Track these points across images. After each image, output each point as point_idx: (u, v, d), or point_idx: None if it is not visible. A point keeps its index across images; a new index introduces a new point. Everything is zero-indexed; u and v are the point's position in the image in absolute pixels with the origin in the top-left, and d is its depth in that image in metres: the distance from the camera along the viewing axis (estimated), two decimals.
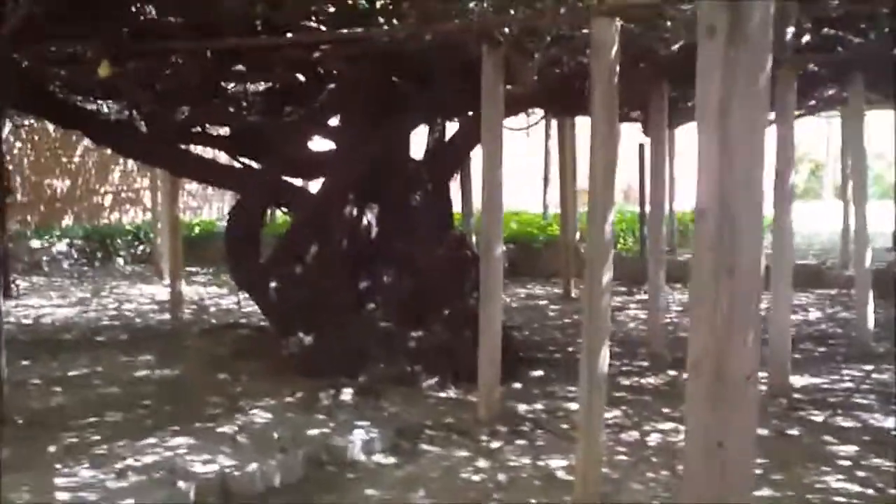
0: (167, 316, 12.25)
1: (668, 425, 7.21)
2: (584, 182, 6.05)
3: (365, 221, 8.86)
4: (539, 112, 14.73)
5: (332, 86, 9.25)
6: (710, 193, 2.90)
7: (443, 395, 7.99)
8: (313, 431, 6.64)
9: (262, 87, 9.92)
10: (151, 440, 6.33)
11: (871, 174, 34.76)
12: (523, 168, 21.80)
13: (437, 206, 9.22)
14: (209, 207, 22.60)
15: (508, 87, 7.03)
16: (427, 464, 6.32)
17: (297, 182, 9.95)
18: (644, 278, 16.13)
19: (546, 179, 21.56)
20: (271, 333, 9.50)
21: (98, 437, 6.56)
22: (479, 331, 7.08)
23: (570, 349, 10.24)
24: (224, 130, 10.24)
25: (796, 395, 8.08)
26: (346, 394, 7.84)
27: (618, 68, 5.27)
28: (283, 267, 8.90)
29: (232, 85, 9.63)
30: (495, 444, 6.72)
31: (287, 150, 9.29)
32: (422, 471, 6.18)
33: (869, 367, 9.27)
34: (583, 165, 16.31)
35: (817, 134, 34.74)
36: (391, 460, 6.38)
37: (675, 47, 7.38)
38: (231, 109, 9.64)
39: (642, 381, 8.71)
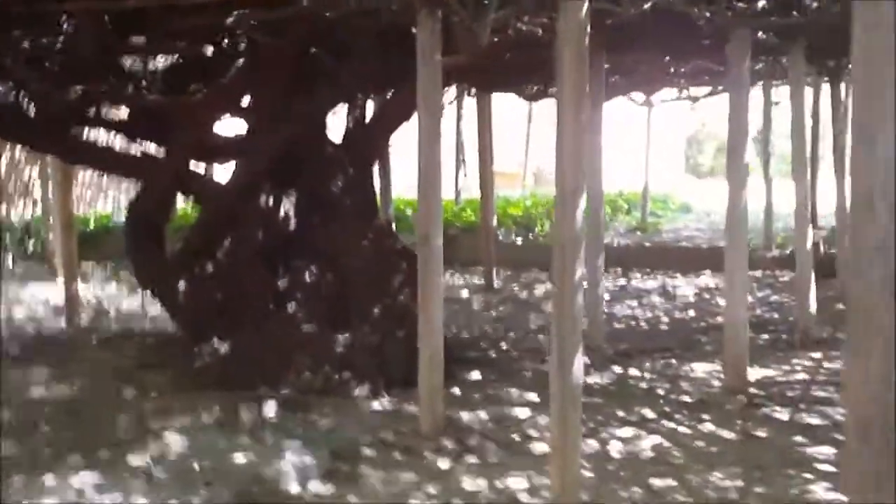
0: (63, 322, 11.21)
1: (627, 431, 6.57)
2: (500, 165, 5.42)
3: (281, 212, 8.02)
4: (451, 89, 13.99)
5: (242, 59, 8.35)
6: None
7: (376, 405, 7.21)
8: (239, 459, 5.82)
9: (164, 61, 8.93)
10: (51, 479, 5.42)
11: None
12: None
13: (360, 193, 8.41)
14: (104, 199, 21.32)
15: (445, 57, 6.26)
16: (370, 491, 5.53)
17: (204, 169, 8.94)
18: None
19: (460, 161, 20.76)
20: (180, 340, 8.62)
21: None
22: (419, 332, 6.34)
23: (504, 346, 9.56)
24: (122, 112, 9.21)
25: (752, 390, 7.51)
26: (270, 408, 7.03)
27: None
28: (191, 264, 8.02)
29: (131, 60, 8.63)
30: (444, 464, 5.96)
31: (193, 133, 8.36)
32: (365, 500, 5.41)
33: (817, 355, 8.77)
34: (499, 146, 15.76)
35: (720, 110, 34.69)
36: (329, 489, 5.56)
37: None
38: (130, 88, 8.68)
39: (587, 379, 8.02)
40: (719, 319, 10.71)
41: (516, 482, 5.61)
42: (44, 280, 15.03)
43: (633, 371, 8.34)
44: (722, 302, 11.80)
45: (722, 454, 6.08)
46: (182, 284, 7.88)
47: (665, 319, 11.02)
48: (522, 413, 7.03)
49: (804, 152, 10.02)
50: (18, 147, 17.60)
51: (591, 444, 6.29)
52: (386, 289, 7.71)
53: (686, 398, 7.42)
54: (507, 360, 8.80)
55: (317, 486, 5.59)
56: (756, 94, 14.92)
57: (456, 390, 7.56)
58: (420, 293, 6.31)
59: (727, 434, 6.50)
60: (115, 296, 13.54)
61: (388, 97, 9.09)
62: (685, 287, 13.62)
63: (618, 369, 8.39)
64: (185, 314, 7.98)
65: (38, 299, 13.26)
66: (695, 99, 15.57)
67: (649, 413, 7.01)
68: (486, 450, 6.19)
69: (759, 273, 14.45)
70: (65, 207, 11.05)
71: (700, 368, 8.40)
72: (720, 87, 14.26)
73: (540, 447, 6.21)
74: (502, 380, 7.96)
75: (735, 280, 7.35)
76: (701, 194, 28.17)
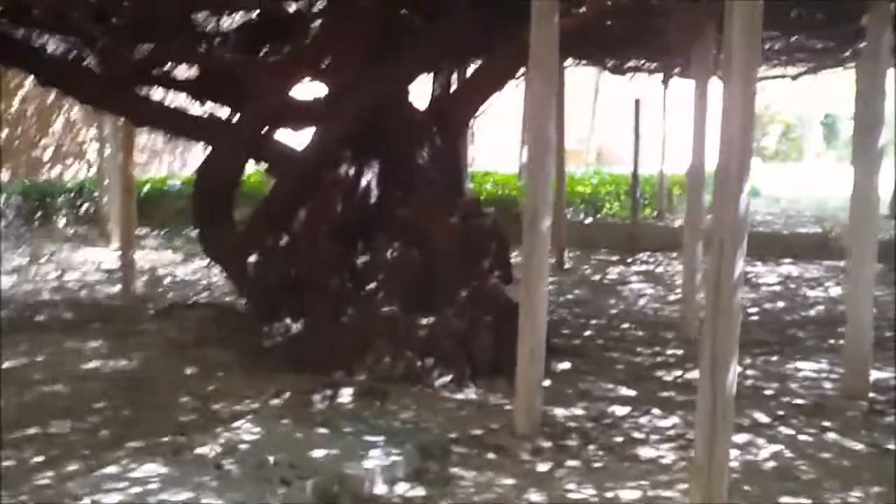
0: (117, 289, 10.72)
1: (741, 437, 5.90)
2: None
3: (363, 183, 7.41)
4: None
5: (324, 19, 7.74)
6: None
7: (460, 396, 6.64)
8: (317, 453, 5.22)
9: (238, 19, 8.34)
10: (112, 469, 4.87)
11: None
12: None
13: (446, 165, 7.80)
14: (158, 163, 20.86)
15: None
16: (464, 497, 4.95)
17: (280, 135, 8.34)
18: (634, 245, 15.12)
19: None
20: (246, 315, 8.08)
21: (40, 461, 5.15)
22: (521, 322, 5.73)
23: (588, 333, 8.94)
24: (192, 72, 8.64)
25: (871, 395, 6.83)
26: (345, 395, 6.48)
27: None
28: (264, 237, 7.45)
29: (203, 16, 8.05)
30: (543, 467, 5.38)
31: (269, 97, 7.78)
32: None
33: None
34: (571, 122, 15.09)
35: (781, 94, 33.72)
36: (419, 492, 4.99)
37: None
38: (201, 47, 8.11)
39: (687, 375, 7.38)
40: (812, 313, 10.11)
41: (628, 493, 5.00)
42: (96, 244, 14.61)
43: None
44: (811, 293, 11.32)
45: (856, 470, 5.42)
46: (253, 258, 7.29)
47: (753, 310, 10.30)
48: (620, 411, 6.43)
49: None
50: (76, 106, 17.13)
51: None
52: (474, 271, 7.11)
53: (799, 401, 6.75)
54: (596, 350, 8.18)
55: (404, 488, 5.02)
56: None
57: (545, 382, 6.95)
58: (524, 280, 5.72)
59: (854, 445, 5.85)
60: (171, 264, 13.09)
61: (481, 63, 8.45)
62: (767, 275, 12.87)
63: None
64: (254, 289, 7.41)
65: (92, 264, 12.82)
66: (795, 77, 14.46)
67: (762, 417, 6.37)
68: (588, 453, 5.60)
69: (842, 263, 13.67)
70: (126, 171, 10.53)
71: (807, 367, 7.72)
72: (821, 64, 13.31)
73: (646, 452, 5.62)
74: (594, 372, 7.37)
75: (861, 274, 6.67)
76: (768, 179, 27.25)
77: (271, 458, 5.05)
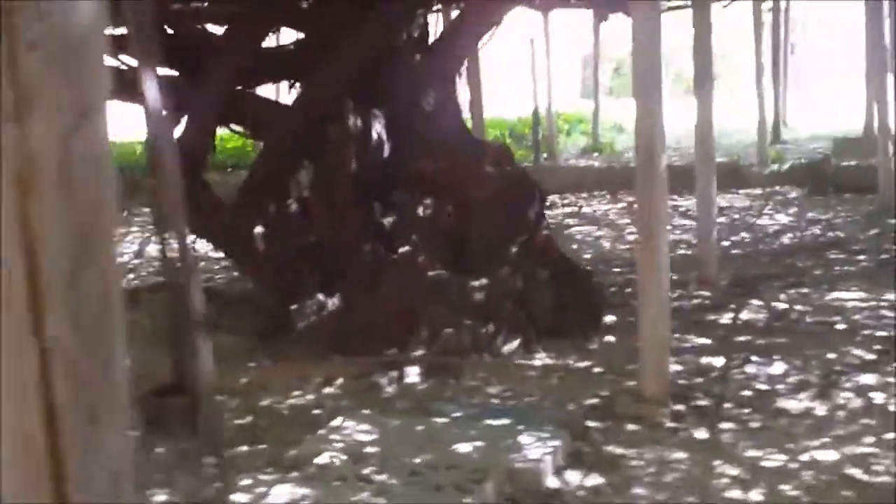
0: None
1: (869, 377, 5.40)
2: None
3: (374, 135, 6.51)
4: None
5: None
6: None
7: (537, 363, 5.91)
8: (462, 448, 4.41)
9: None
10: (244, 499, 3.94)
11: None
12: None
13: (453, 112, 6.98)
14: None
15: None
16: (651, 479, 4.25)
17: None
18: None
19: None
20: (231, 296, 7.10)
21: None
22: (640, 274, 5.05)
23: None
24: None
25: None
26: (411, 375, 5.66)
27: None
28: (263, 205, 6.47)
29: None
30: (701, 434, 4.73)
31: (241, 49, 6.75)
32: (651, 489, 4.13)
33: None
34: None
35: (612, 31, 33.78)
36: (596, 479, 4.26)
37: None
38: None
39: (742, 316, 6.85)
40: (786, 241, 9.79)
41: (822, 454, 4.40)
42: None
43: (776, 304, 7.16)
44: (761, 222, 11.01)
45: None
46: (260, 230, 6.31)
47: (725, 244, 9.86)
48: (717, 362, 5.82)
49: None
50: None
51: (849, 396, 5.14)
52: (519, 224, 6.33)
53: (882, 332, 6.29)
54: (621, 298, 7.50)
55: (577, 477, 4.28)
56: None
57: (610, 339, 6.32)
58: (641, 225, 5.02)
59: None
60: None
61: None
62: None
63: (756, 302, 7.21)
64: (266, 264, 6.41)
65: None
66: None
67: (864, 353, 5.88)
68: (732, 413, 4.97)
69: (758, 190, 13.55)
70: None
71: (847, 297, 7.28)
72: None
73: (790, 404, 5.06)
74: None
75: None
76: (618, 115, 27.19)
77: (416, 460, 4.22)
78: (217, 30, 7.39)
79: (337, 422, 4.72)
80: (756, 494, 4.05)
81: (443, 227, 6.29)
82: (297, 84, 7.36)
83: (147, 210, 13.35)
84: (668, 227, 10.58)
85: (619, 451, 4.54)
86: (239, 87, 6.94)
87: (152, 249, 10.71)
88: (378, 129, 6.52)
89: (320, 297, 6.01)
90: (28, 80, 1.10)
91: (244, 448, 4.74)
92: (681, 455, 4.46)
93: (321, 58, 6.61)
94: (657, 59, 5.00)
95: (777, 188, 13.78)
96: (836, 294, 7.33)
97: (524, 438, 4.43)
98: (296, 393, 5.57)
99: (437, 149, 6.51)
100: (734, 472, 4.27)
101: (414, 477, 4.07)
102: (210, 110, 6.74)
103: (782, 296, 7.34)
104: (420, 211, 6.29)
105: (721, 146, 17.92)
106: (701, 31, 7.63)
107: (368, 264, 6.08)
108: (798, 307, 7.00)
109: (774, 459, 4.37)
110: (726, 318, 6.82)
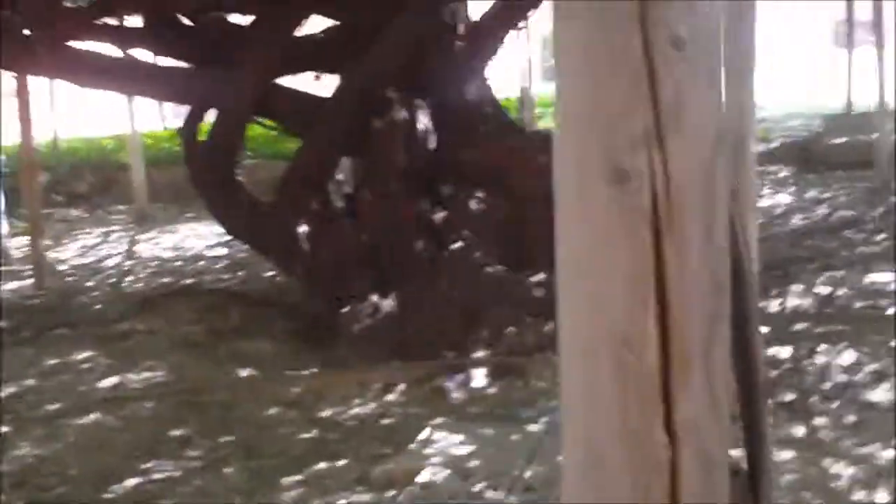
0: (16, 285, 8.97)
1: None
2: None
3: (420, 126, 6.29)
4: None
5: None
6: None
7: None
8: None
9: None
10: None
11: None
12: None
13: (490, 99, 6.79)
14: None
15: None
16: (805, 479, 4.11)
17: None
18: None
19: None
20: (252, 298, 6.90)
21: None
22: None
23: None
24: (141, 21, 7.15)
25: None
26: (479, 377, 5.48)
27: None
28: (306, 202, 6.24)
29: None
30: (797, 431, 4.62)
31: (275, 39, 6.50)
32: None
33: None
34: None
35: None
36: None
37: None
38: None
39: (771, 303, 6.74)
40: (798, 222, 9.71)
41: None
42: None
43: (818, 290, 7.04)
44: (762, 203, 10.91)
45: None
46: (305, 229, 6.07)
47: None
48: (783, 353, 5.67)
49: None
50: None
51: None
52: None
53: None
54: None
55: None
56: None
57: None
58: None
59: None
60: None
61: None
62: None
63: (795, 287, 7.10)
64: (313, 265, 6.16)
65: None
66: None
67: None
68: (823, 408, 4.87)
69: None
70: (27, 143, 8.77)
71: (884, 280, 7.19)
72: None
73: (879, 396, 4.93)
74: None
75: None
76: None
77: (527, 474, 4.05)
78: (242, 20, 7.13)
79: (425, 433, 4.52)
80: (884, 495, 3.92)
81: (495, 221, 6.08)
82: (325, 74, 7.15)
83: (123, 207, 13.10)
84: None
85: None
86: (271, 79, 6.67)
87: (141, 249, 10.48)
88: (424, 120, 6.30)
89: (374, 298, 5.78)
90: (671, 92, 0.95)
91: (323, 465, 4.52)
92: (788, 454, 4.32)
93: (358, 47, 6.38)
94: None
95: (768, 168, 13.72)
96: (873, 276, 7.23)
97: None
98: (356, 401, 5.36)
99: (484, 139, 6.31)
100: (850, 471, 4.13)
101: (530, 493, 3.89)
102: (242, 104, 6.48)
103: (820, 279, 7.23)
104: (471, 205, 6.07)
105: None
106: None
107: (423, 263, 5.87)
108: (841, 291, 6.89)
109: (885, 458, 4.24)
110: (774, 306, 6.69)
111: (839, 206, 10.33)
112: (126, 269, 9.44)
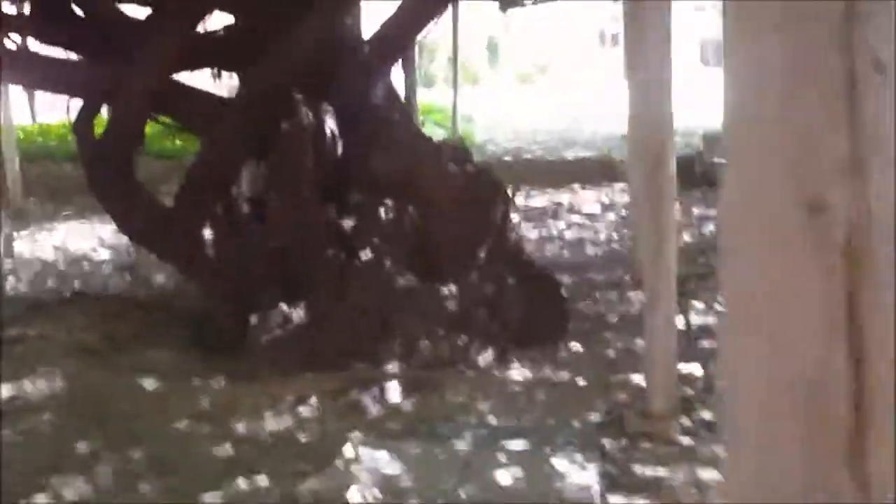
0: None
1: None
2: None
3: (328, 131, 6.14)
4: None
5: None
6: None
7: (517, 376, 5.67)
8: (500, 476, 4.14)
9: None
10: None
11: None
12: None
13: (395, 104, 6.68)
14: None
15: None
16: (687, 498, 4.10)
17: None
18: None
19: None
20: (148, 305, 6.63)
21: None
22: (647, 282, 4.90)
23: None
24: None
25: None
26: (394, 391, 5.35)
27: None
28: (208, 206, 6.02)
29: None
30: (723, 451, 4.58)
31: (176, 32, 6.25)
32: None
33: None
34: None
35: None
36: None
37: None
38: None
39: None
40: (689, 238, 9.82)
41: None
42: None
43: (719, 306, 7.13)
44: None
45: None
46: (210, 235, 5.85)
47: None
48: (694, 369, 5.71)
49: None
50: None
51: None
52: (486, 224, 6.08)
53: None
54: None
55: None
56: None
57: (577, 346, 6.14)
58: (647, 236, 4.86)
59: None
60: None
61: None
62: (588, 205, 12.52)
63: (698, 304, 7.18)
64: (219, 272, 5.94)
65: None
66: None
67: None
68: None
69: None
70: None
71: None
72: None
73: None
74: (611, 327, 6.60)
75: None
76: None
77: (461, 493, 3.94)
78: (139, 13, 6.85)
79: (349, 450, 4.37)
80: None
81: (405, 230, 5.96)
82: (224, 73, 6.93)
83: None
84: (565, 225, 10.77)
85: (650, 472, 4.37)
86: (170, 75, 6.41)
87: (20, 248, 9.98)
88: (330, 124, 6.15)
89: (284, 307, 5.59)
90: (871, 118, 0.88)
91: (241, 482, 4.32)
92: (715, 474, 4.31)
93: (260, 47, 6.19)
94: (669, 55, 4.82)
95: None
96: None
97: (559, 463, 4.21)
98: (269, 414, 5.16)
99: (391, 146, 6.18)
100: None
101: None
102: (139, 100, 6.21)
103: (721, 297, 7.30)
104: (380, 213, 5.94)
105: (580, 140, 18.27)
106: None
107: (333, 272, 5.70)
108: None
109: None
110: (678, 324, 6.71)
111: None
112: (7, 269, 8.97)
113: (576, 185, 13.82)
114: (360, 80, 6.37)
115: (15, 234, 10.16)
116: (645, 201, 4.93)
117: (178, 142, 13.52)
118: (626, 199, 12.61)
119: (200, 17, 6.47)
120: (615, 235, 10.30)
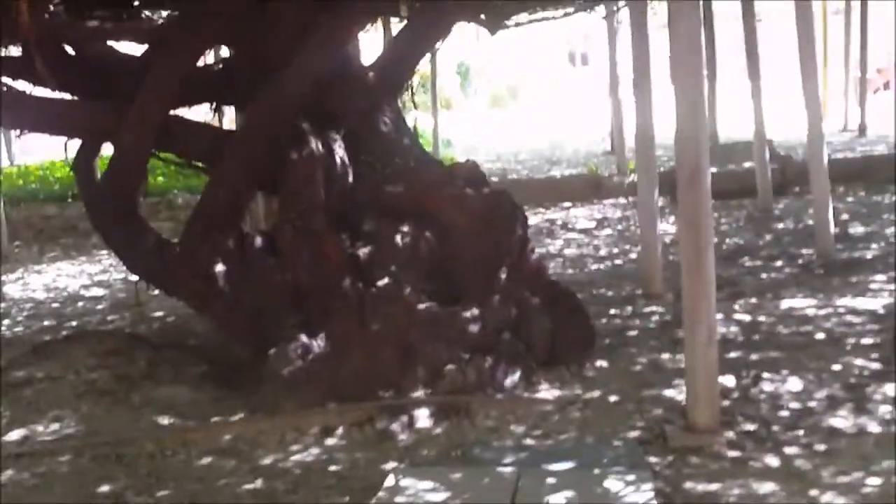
0: None
1: (891, 388, 5.29)
2: None
3: (337, 160, 5.99)
4: None
5: None
6: None
7: (546, 395, 5.54)
8: (555, 499, 3.98)
9: None
10: None
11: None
12: None
13: (403, 129, 6.55)
14: None
15: None
16: None
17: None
18: None
19: None
20: (163, 341, 6.46)
21: None
22: (686, 300, 4.75)
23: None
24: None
25: None
26: (423, 418, 5.19)
27: None
28: (219, 239, 5.85)
29: None
30: (771, 462, 4.47)
31: (177, 66, 6.09)
32: None
33: None
34: None
35: None
36: None
37: None
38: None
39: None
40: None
41: None
42: None
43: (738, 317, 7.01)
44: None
45: None
46: (222, 268, 5.69)
47: (633, 255, 9.76)
48: (727, 381, 5.56)
49: None
50: None
51: (888, 408, 5.01)
52: (507, 245, 5.94)
53: (867, 340, 6.22)
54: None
55: None
56: None
57: (603, 363, 6.01)
58: (685, 250, 4.73)
59: None
60: None
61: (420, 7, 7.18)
62: (581, 221, 12.39)
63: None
64: (234, 307, 5.77)
65: None
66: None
67: (867, 363, 5.79)
68: (789, 437, 4.74)
69: (622, 200, 13.58)
70: None
71: (799, 305, 7.22)
72: None
73: (840, 423, 4.85)
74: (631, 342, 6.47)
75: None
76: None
77: None
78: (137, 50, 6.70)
79: (390, 481, 4.19)
80: None
81: (422, 255, 5.81)
82: (223, 106, 6.79)
83: None
84: (563, 242, 10.66)
85: (701, 487, 4.24)
86: (171, 112, 6.25)
87: (10, 290, 9.77)
88: (339, 153, 6.01)
89: (304, 338, 5.42)
90: None
91: None
92: (772, 487, 4.20)
93: (263, 78, 6.04)
94: (700, 71, 4.72)
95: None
96: (786, 303, 7.25)
97: (612, 484, 4.05)
98: (294, 447, 5.00)
99: (403, 172, 6.05)
100: (841, 501, 4.01)
101: None
102: (142, 137, 6.04)
103: (735, 306, 7.20)
104: (397, 240, 5.79)
105: (563, 159, 18.20)
106: (638, 30, 7.49)
107: (352, 300, 5.55)
108: (761, 318, 6.87)
109: (871, 485, 4.15)
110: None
111: (725, 234, 10.42)
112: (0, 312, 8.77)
113: (566, 203, 13.75)
114: (364, 106, 6.22)
115: (4, 277, 9.97)
116: (681, 215, 4.78)
117: (160, 178, 13.34)
118: (618, 214, 12.63)
119: (198, 52, 6.31)
120: (615, 250, 10.17)
